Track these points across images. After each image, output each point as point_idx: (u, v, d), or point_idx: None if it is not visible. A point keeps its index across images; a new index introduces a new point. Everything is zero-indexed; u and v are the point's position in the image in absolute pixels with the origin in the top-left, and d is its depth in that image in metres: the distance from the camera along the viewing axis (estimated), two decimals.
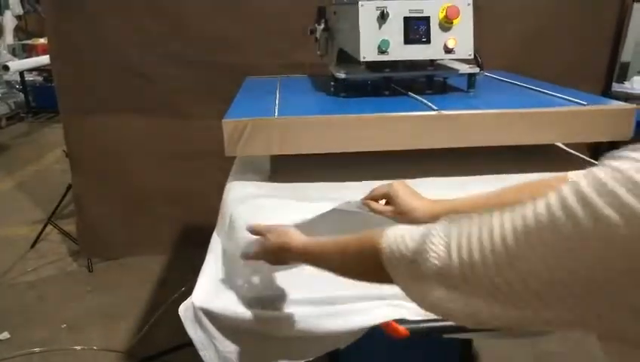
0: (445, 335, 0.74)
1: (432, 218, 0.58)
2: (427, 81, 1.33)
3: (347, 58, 1.34)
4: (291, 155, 1.10)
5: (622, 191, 0.31)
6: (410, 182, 1.11)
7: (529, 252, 0.36)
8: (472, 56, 1.22)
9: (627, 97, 2.35)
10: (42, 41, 4.81)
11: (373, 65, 1.27)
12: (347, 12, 1.28)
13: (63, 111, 2.15)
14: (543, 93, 1.31)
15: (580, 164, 1.22)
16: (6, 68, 3.81)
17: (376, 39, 1.17)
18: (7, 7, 5.22)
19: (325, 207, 0.80)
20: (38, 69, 4.87)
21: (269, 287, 0.75)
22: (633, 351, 0.35)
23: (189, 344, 0.78)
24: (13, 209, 3.04)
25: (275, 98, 1.29)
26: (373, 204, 0.78)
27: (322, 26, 1.52)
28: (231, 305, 0.74)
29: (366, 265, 0.55)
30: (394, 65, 1.27)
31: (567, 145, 1.35)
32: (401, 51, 1.19)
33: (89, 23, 2.00)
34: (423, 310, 0.47)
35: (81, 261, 2.39)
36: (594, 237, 0.32)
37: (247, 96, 1.38)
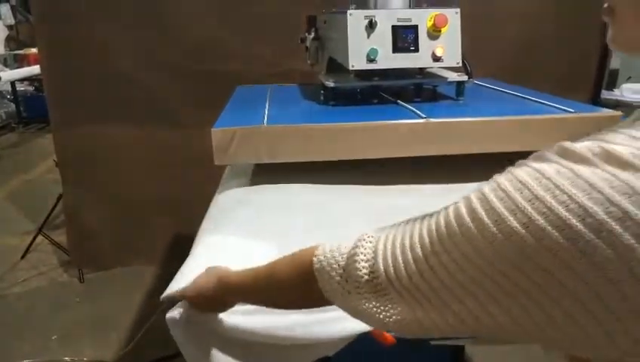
0: (433, 342, 0.74)
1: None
2: (416, 89, 1.34)
3: (337, 67, 1.35)
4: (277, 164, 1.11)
5: (516, 195, 0.34)
6: (396, 188, 1.12)
7: (444, 254, 0.38)
8: (460, 64, 1.23)
9: (617, 104, 2.38)
10: (34, 50, 4.79)
11: (362, 74, 1.27)
12: (336, 21, 1.29)
13: (54, 120, 2.14)
14: (531, 100, 1.32)
15: None
16: None
17: (365, 48, 1.18)
18: None
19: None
20: (30, 79, 4.85)
21: None
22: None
23: (178, 354, 0.78)
24: (3, 219, 3.02)
25: (265, 106, 1.29)
26: None
27: (312, 35, 1.53)
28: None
29: (297, 284, 0.54)
30: (383, 73, 1.27)
31: None
32: (390, 60, 1.20)
33: (79, 32, 1.99)
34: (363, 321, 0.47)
35: (71, 271, 2.37)
36: (496, 239, 0.34)
37: (237, 104, 1.39)
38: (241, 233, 0.90)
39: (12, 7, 5.37)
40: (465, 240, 0.36)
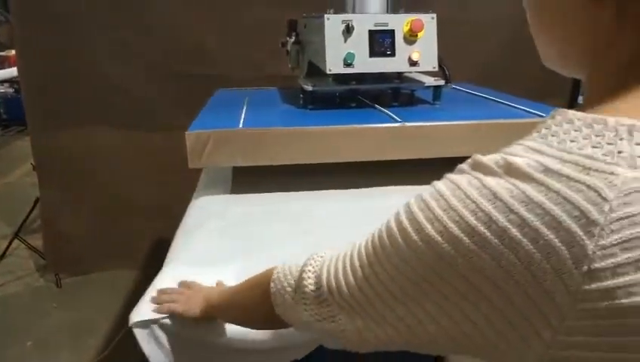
0: None
1: None
2: (394, 94, 1.35)
3: (317, 71, 1.35)
4: (255, 166, 1.10)
5: (434, 205, 0.36)
6: (371, 191, 1.13)
7: (377, 265, 0.39)
8: (437, 69, 1.24)
9: None
10: (14, 52, 4.72)
11: (340, 78, 1.28)
12: (315, 25, 1.29)
13: (31, 123, 2.11)
14: (506, 105, 1.34)
15: None
16: None
17: (342, 52, 1.18)
18: None
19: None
20: (10, 81, 4.77)
21: None
22: None
23: None
24: None
25: (242, 109, 1.29)
26: None
27: (293, 39, 1.54)
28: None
29: (259, 304, 0.56)
30: (361, 77, 1.28)
31: None
32: (367, 64, 1.20)
33: (59, 33, 1.97)
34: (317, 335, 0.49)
35: (48, 276, 2.33)
36: (418, 247, 0.36)
37: (214, 107, 1.38)
38: (213, 252, 0.89)
39: None
40: (393, 249, 0.38)
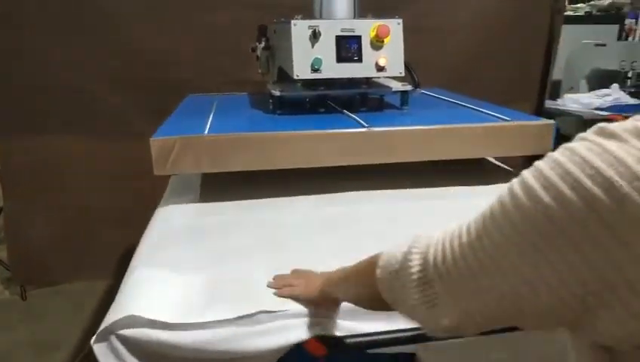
0: (369, 351, 0.74)
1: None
2: (363, 99, 1.35)
3: (287, 76, 1.35)
4: (224, 173, 1.09)
5: (550, 173, 0.35)
6: (342, 195, 1.13)
7: (485, 238, 0.40)
8: (403, 74, 1.25)
9: (561, 113, 2.48)
10: None
11: (308, 83, 1.28)
12: (283, 31, 1.29)
13: None
14: (472, 109, 1.36)
15: (506, 177, 1.26)
16: None
17: (309, 57, 1.18)
18: None
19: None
20: None
21: (188, 310, 0.73)
22: (598, 349, 0.38)
23: None
24: None
25: (210, 115, 1.27)
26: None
27: (263, 44, 1.53)
28: (149, 329, 0.71)
29: (368, 287, 0.57)
30: (329, 83, 1.28)
31: (502, 159, 1.40)
32: (334, 70, 1.21)
33: (20, 38, 1.92)
34: (428, 331, 0.49)
35: (13, 289, 2.25)
36: (529, 212, 0.36)
37: (181, 113, 1.36)
38: (177, 261, 0.88)
39: None
40: (504, 219, 0.38)
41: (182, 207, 1.10)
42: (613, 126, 0.34)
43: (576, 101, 2.52)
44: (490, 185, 1.17)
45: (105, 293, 2.19)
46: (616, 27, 3.22)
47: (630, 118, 0.35)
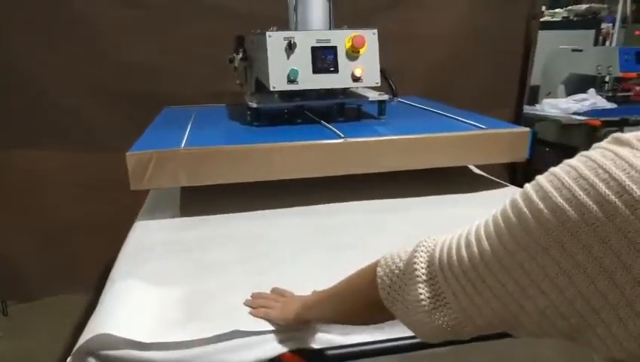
0: None
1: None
2: (340, 109, 1.36)
3: (264, 87, 1.36)
4: (203, 186, 1.09)
5: (564, 176, 0.37)
6: (324, 207, 1.13)
7: (493, 238, 0.41)
8: (379, 84, 1.26)
9: (540, 119, 2.51)
10: None
11: (285, 94, 1.28)
12: (259, 42, 1.29)
13: None
14: (449, 118, 1.37)
15: (487, 185, 1.28)
16: None
17: (285, 69, 1.19)
18: None
19: None
20: None
21: (165, 327, 0.72)
22: None
23: None
24: None
25: (187, 128, 1.27)
26: None
27: (240, 55, 1.53)
28: (124, 350, 0.71)
29: (360, 297, 0.58)
30: (306, 93, 1.29)
31: (482, 167, 1.41)
32: (310, 80, 1.21)
33: None
34: (422, 338, 0.50)
35: None
36: (542, 215, 0.37)
37: (158, 127, 1.36)
38: (155, 276, 0.87)
39: None
40: (516, 221, 0.39)
41: (160, 221, 1.10)
42: (628, 135, 0.36)
43: (555, 106, 2.55)
44: (471, 193, 1.18)
45: (85, 307, 2.16)
46: (592, 32, 3.28)
47: None
